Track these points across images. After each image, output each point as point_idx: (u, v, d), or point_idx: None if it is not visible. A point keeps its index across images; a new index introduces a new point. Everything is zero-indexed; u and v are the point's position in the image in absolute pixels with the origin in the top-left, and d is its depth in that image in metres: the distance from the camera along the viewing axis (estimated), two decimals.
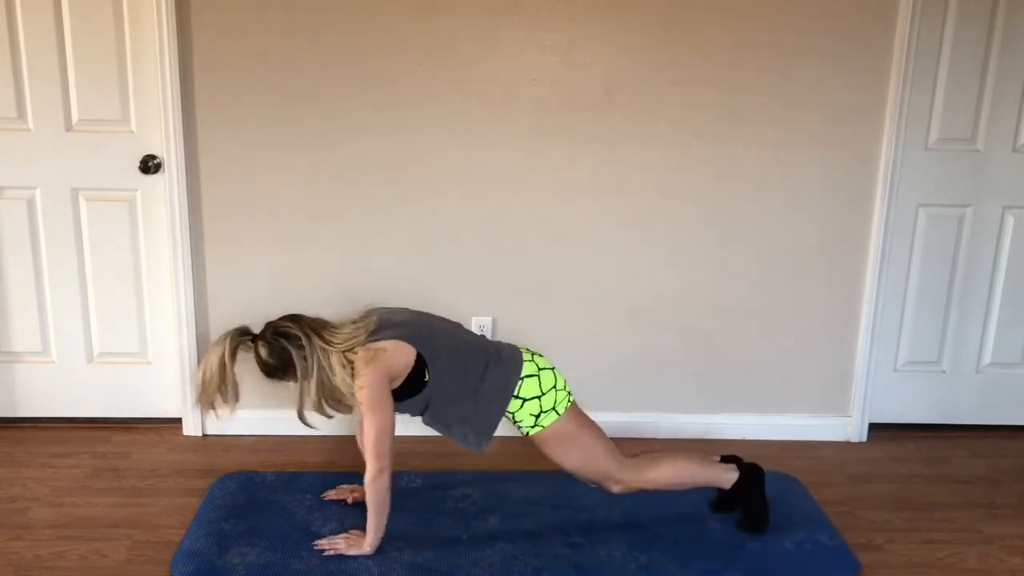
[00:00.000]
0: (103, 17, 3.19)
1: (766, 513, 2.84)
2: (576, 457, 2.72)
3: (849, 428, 3.62)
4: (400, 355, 2.57)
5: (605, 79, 3.26)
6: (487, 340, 2.82)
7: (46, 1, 3.16)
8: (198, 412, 3.46)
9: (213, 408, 2.59)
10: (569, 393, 2.71)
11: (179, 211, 3.29)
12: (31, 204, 3.35)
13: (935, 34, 3.30)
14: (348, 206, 3.34)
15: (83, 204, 3.37)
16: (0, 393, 3.52)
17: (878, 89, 3.29)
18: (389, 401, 2.56)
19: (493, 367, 2.66)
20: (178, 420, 3.52)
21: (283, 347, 2.55)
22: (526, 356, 2.71)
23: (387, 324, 2.64)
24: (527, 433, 2.70)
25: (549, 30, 3.22)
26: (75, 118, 3.28)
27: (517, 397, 2.65)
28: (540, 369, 2.69)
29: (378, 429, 2.52)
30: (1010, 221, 3.53)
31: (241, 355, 2.58)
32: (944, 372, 3.68)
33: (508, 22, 3.21)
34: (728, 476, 2.83)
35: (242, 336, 2.58)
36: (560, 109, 3.28)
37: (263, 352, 2.58)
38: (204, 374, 2.55)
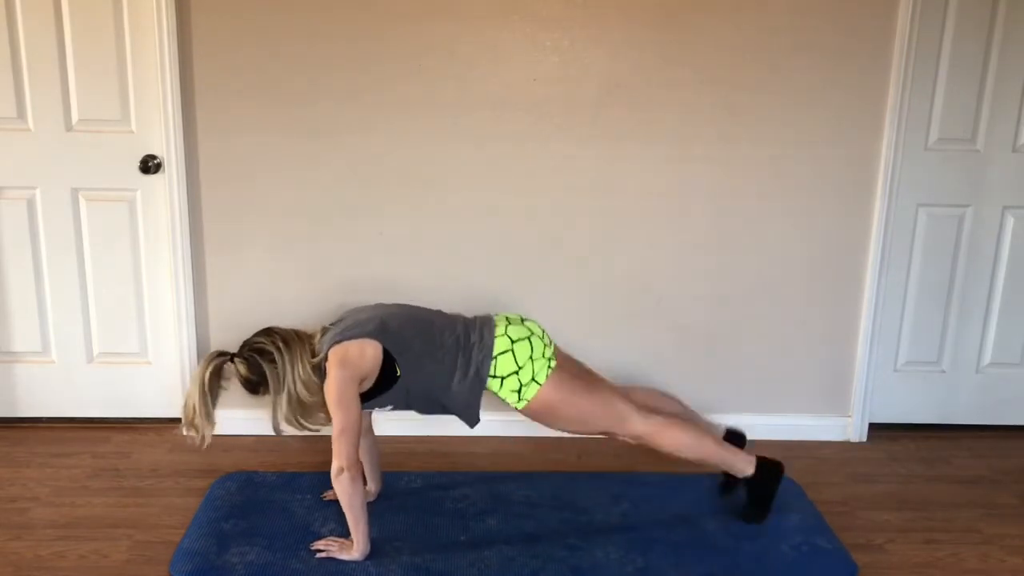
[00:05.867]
0: (103, 17, 3.19)
1: (766, 511, 2.86)
2: (572, 423, 2.74)
3: (849, 428, 3.61)
4: (367, 353, 2.60)
5: (605, 79, 3.26)
6: (460, 319, 2.79)
7: (46, 1, 3.17)
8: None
9: (197, 432, 2.62)
10: (549, 360, 2.69)
11: (179, 211, 3.29)
12: (31, 204, 3.36)
13: (935, 34, 3.29)
14: (348, 205, 3.34)
15: (83, 204, 3.37)
16: (0, 393, 3.52)
17: (878, 89, 3.29)
18: (356, 402, 2.58)
19: (464, 350, 2.67)
20: (178, 420, 3.50)
21: (258, 363, 2.61)
22: (498, 330, 2.70)
23: (355, 323, 2.67)
24: (517, 408, 2.71)
25: (549, 30, 3.22)
26: (75, 118, 3.28)
27: (494, 376, 2.66)
28: (513, 342, 2.68)
29: (341, 427, 2.54)
30: (1010, 221, 3.52)
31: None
32: (944, 372, 3.67)
33: (508, 23, 3.21)
34: (744, 466, 2.83)
35: (219, 357, 2.63)
36: (560, 109, 3.28)
37: (242, 370, 2.65)
38: (187, 403, 2.61)
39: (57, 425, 3.55)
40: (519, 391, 2.66)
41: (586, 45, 3.24)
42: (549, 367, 2.68)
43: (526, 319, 2.79)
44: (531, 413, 2.71)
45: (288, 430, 2.67)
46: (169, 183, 3.28)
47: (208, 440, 2.62)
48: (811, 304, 3.50)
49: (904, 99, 3.28)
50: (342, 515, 2.74)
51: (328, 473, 3.09)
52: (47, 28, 3.19)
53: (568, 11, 3.20)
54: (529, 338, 2.70)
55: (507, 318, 2.77)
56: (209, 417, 2.60)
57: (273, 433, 2.68)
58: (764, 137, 3.33)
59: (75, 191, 3.36)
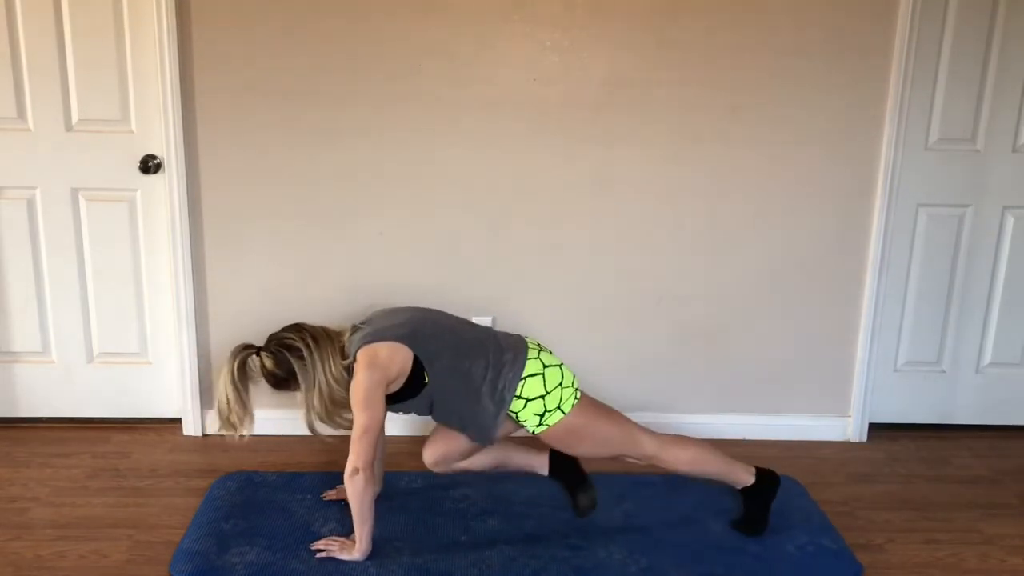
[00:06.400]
0: (103, 17, 3.19)
1: (764, 523, 2.84)
2: (587, 448, 2.74)
3: (849, 428, 3.62)
4: (397, 357, 2.57)
5: (605, 79, 3.26)
6: (492, 335, 2.76)
7: (46, 1, 3.16)
8: (198, 412, 3.47)
9: (236, 431, 2.61)
10: (576, 389, 2.68)
11: (179, 211, 3.29)
12: (31, 204, 3.35)
13: (935, 34, 3.29)
14: (348, 206, 3.34)
15: (83, 204, 3.37)
16: (0, 393, 3.52)
17: (878, 89, 3.29)
18: (381, 404, 2.56)
19: (494, 367, 2.63)
20: (178, 420, 3.52)
21: (286, 358, 2.58)
22: (531, 353, 2.67)
23: (387, 325, 2.64)
24: (532, 432, 2.69)
25: (549, 30, 3.22)
26: (75, 118, 3.28)
27: (520, 397, 2.63)
28: (545, 367, 2.65)
29: (364, 427, 2.52)
30: (1010, 221, 3.53)
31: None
32: (944, 372, 3.67)
33: (508, 23, 3.21)
34: (744, 478, 2.82)
35: (245, 351, 2.62)
36: (560, 109, 3.28)
37: (268, 364, 2.62)
38: (220, 398, 2.60)
39: (57, 425, 3.54)
40: (542, 416, 2.64)
41: (586, 45, 3.24)
42: (575, 397, 2.67)
43: (551, 352, 2.78)
44: (547, 437, 2.69)
45: (323, 428, 2.65)
46: (169, 183, 3.27)
47: (248, 433, 2.61)
48: (811, 304, 3.50)
49: (904, 99, 3.28)
50: (342, 515, 2.74)
51: (329, 473, 3.11)
52: (47, 28, 3.19)
53: (568, 11, 3.20)
54: (560, 366, 2.68)
55: (539, 344, 2.75)
56: (246, 409, 2.60)
57: (309, 433, 2.68)
58: (764, 137, 3.33)
59: (75, 191, 3.35)
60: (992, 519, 3.04)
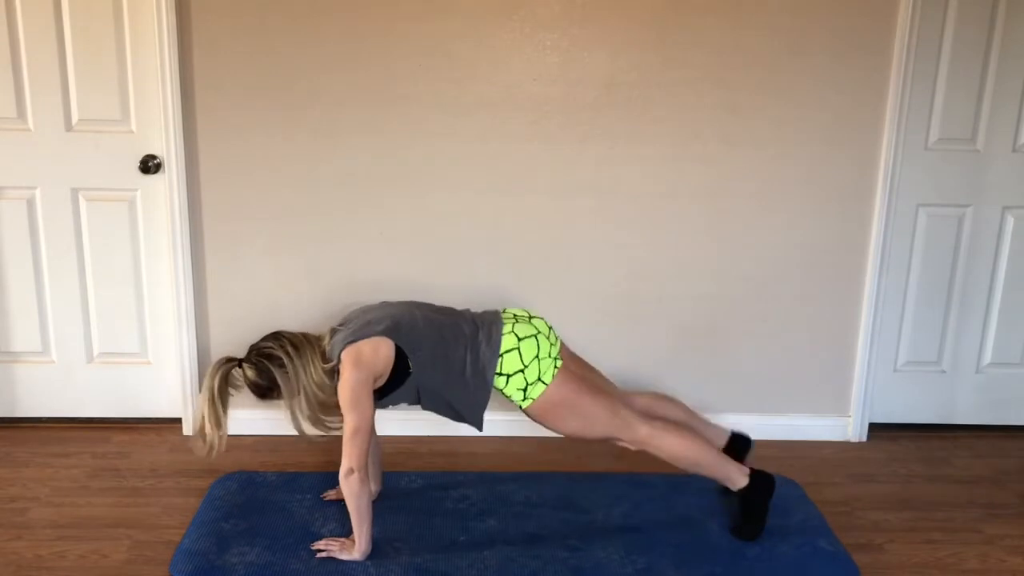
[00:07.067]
0: (103, 17, 3.19)
1: (761, 526, 2.82)
2: (575, 425, 2.72)
3: (849, 428, 3.62)
4: (381, 352, 2.59)
5: (605, 79, 3.26)
6: (468, 316, 2.77)
7: (46, 2, 3.17)
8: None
9: (205, 441, 2.60)
10: (556, 359, 2.68)
11: (179, 211, 3.29)
12: (31, 204, 3.36)
13: (935, 34, 3.29)
14: (348, 205, 3.34)
15: (83, 204, 3.37)
16: (0, 393, 3.52)
17: (878, 89, 3.29)
18: (370, 403, 2.58)
19: (472, 350, 2.66)
20: (178, 420, 3.53)
21: (267, 368, 2.59)
22: (506, 328, 2.68)
23: (367, 322, 2.66)
24: (521, 407, 2.70)
25: (549, 30, 3.22)
26: (75, 118, 3.28)
27: (500, 374, 2.65)
28: (520, 340, 2.66)
29: (354, 427, 2.54)
30: (1010, 221, 3.53)
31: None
32: (944, 372, 3.67)
33: (508, 23, 3.21)
34: (738, 478, 2.79)
35: (227, 363, 2.62)
36: (560, 109, 3.28)
37: (251, 375, 2.63)
38: (198, 409, 2.62)
39: (57, 425, 3.55)
40: (524, 390, 2.65)
41: (586, 45, 3.24)
42: (555, 366, 2.67)
43: (533, 316, 2.78)
44: (535, 413, 2.69)
45: (313, 432, 2.67)
46: (169, 183, 3.28)
47: (219, 449, 2.60)
48: (811, 304, 3.50)
49: (904, 99, 3.28)
50: (342, 515, 2.74)
51: (329, 473, 3.11)
52: (47, 28, 3.19)
53: (568, 11, 3.20)
54: (535, 336, 2.68)
55: (515, 315, 2.76)
56: (220, 425, 2.59)
57: (296, 434, 2.68)
58: (764, 137, 3.33)
59: (75, 191, 3.35)
60: (992, 519, 3.05)
